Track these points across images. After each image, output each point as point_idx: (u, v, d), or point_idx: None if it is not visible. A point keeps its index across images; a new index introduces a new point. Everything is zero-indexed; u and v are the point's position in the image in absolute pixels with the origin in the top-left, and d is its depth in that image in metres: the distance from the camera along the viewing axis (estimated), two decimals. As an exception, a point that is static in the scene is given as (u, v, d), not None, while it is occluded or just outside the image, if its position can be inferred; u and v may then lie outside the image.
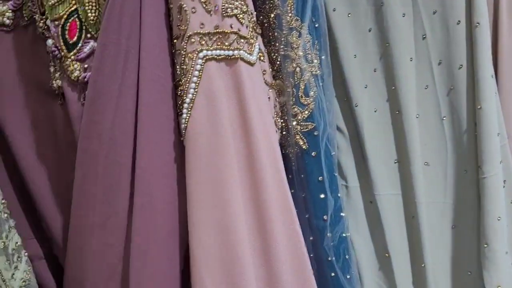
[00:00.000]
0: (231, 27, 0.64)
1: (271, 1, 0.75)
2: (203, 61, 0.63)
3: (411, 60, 0.92)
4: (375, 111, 0.96)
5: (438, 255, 0.92)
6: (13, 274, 0.65)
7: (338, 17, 0.96)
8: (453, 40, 0.87)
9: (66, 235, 0.72)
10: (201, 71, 0.63)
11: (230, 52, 0.64)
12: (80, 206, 0.67)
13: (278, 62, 0.76)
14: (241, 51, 0.64)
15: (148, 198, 0.64)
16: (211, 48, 0.64)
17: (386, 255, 0.94)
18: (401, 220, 0.94)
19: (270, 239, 0.65)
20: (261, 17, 0.78)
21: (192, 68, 0.63)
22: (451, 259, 0.93)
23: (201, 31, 0.63)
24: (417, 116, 0.93)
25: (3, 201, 0.67)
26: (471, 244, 0.88)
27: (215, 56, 0.64)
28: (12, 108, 0.71)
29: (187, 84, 0.63)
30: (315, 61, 0.76)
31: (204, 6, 0.63)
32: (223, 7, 0.63)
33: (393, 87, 0.94)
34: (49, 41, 0.66)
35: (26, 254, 0.71)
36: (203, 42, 0.63)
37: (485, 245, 0.85)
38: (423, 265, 0.91)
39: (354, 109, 0.96)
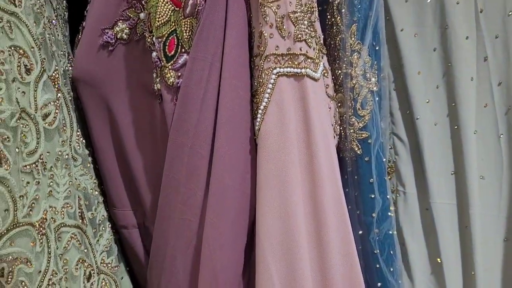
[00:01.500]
0: (301, 49, 0.77)
1: (338, 27, 0.86)
2: (276, 76, 0.77)
3: (472, 80, 0.95)
4: (435, 125, 1.00)
5: (489, 265, 0.94)
6: (98, 240, 0.80)
7: (405, 37, 1.00)
8: (513, 63, 0.87)
9: (156, 210, 0.82)
10: (274, 84, 0.77)
11: (298, 70, 0.77)
12: (168, 186, 0.79)
13: (340, 78, 0.88)
14: (308, 69, 0.77)
15: (221, 184, 0.74)
16: (283, 66, 0.77)
17: (438, 260, 0.98)
18: (455, 229, 0.97)
19: (323, 225, 0.76)
20: (329, 39, 0.89)
21: (267, 82, 0.77)
22: (502, 270, 0.95)
23: (276, 52, 0.76)
24: (475, 132, 0.96)
25: (95, 181, 0.80)
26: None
27: (286, 73, 0.77)
28: (124, 104, 0.83)
29: (262, 94, 0.77)
30: (373, 79, 0.87)
31: (280, 32, 0.76)
32: (295, 33, 0.76)
33: (454, 104, 0.97)
34: (154, 54, 0.77)
35: (110, 225, 0.85)
36: (277, 61, 0.76)
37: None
38: (473, 273, 0.93)
39: (416, 122, 0.99)
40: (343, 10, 0.85)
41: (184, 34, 0.75)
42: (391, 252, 0.91)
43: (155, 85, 0.82)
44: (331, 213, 0.76)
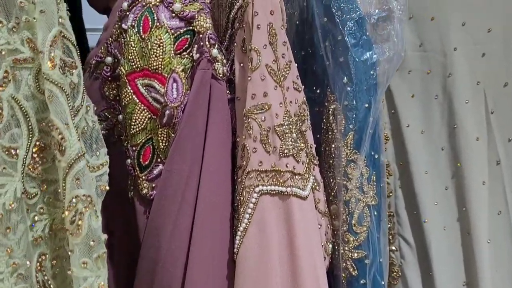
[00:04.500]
0: (287, 166, 0.70)
1: (333, 133, 0.80)
2: (258, 195, 0.70)
3: (483, 184, 0.91)
4: (444, 229, 0.94)
5: None
6: None
7: (412, 133, 0.97)
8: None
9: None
10: (255, 204, 0.70)
11: (284, 189, 0.70)
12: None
13: (335, 189, 0.80)
14: (294, 188, 0.70)
15: None
16: (267, 183, 0.70)
17: None
18: None
19: None
20: (324, 145, 0.83)
21: (247, 201, 0.70)
22: None
23: (259, 169, 0.70)
24: (489, 241, 0.91)
25: None
26: None
27: (270, 191, 0.70)
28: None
29: (242, 214, 0.70)
30: (371, 192, 0.79)
31: (264, 147, 0.70)
32: (280, 148, 0.70)
33: (464, 208, 0.92)
34: (128, 161, 0.72)
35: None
36: (260, 179, 0.70)
37: None
38: None
39: (423, 224, 0.94)
40: (339, 117, 0.79)
41: (161, 143, 0.71)
42: None
43: (129, 193, 0.77)
44: None
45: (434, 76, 0.93)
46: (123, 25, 0.74)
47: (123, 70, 0.74)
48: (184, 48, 0.71)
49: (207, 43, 0.71)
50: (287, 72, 0.70)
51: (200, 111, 0.71)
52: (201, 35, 0.71)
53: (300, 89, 0.73)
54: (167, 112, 0.70)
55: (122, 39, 0.74)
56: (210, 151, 0.70)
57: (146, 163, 0.72)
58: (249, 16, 0.70)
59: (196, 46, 0.72)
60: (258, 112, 0.70)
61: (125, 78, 0.73)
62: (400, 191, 0.97)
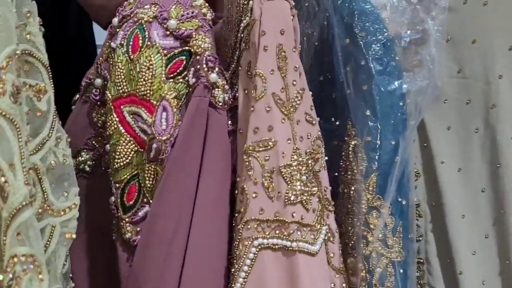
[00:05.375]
0: (293, 216, 0.59)
1: (353, 174, 0.69)
2: (257, 249, 0.59)
3: None
4: (483, 283, 0.86)
5: None
6: None
7: (447, 171, 0.87)
8: None
9: None
10: (253, 260, 0.59)
11: (289, 243, 0.59)
12: None
13: (354, 239, 0.69)
14: (301, 243, 0.59)
15: None
16: (268, 236, 0.59)
17: None
18: None
19: None
20: (342, 185, 0.71)
21: (244, 256, 0.59)
22: None
23: (260, 217, 0.59)
24: None
25: None
26: None
27: (271, 245, 0.59)
28: (80, 250, 0.71)
29: (237, 272, 0.59)
30: (396, 246, 0.67)
31: (266, 191, 0.60)
32: (286, 194, 0.59)
33: (508, 261, 0.85)
34: (112, 199, 0.65)
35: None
36: (260, 229, 0.59)
37: None
38: None
39: (458, 276, 0.86)
40: (359, 155, 0.67)
41: (147, 181, 0.63)
42: None
43: (113, 235, 0.69)
44: None
45: (475, 106, 0.85)
46: (112, 44, 0.66)
47: (109, 95, 0.66)
48: (178, 71, 0.64)
49: (204, 66, 0.62)
50: (298, 102, 0.61)
51: (194, 145, 0.62)
52: (198, 57, 0.63)
53: (314, 121, 0.63)
54: (154, 145, 0.62)
55: (111, 59, 0.66)
56: (204, 194, 0.62)
57: (131, 203, 0.64)
58: (255, 36, 0.61)
59: (192, 69, 0.64)
60: (260, 149, 0.60)
61: (110, 104, 0.65)
62: (432, 235, 0.90)
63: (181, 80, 0.63)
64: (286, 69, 0.61)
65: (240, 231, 0.60)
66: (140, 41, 0.64)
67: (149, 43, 0.63)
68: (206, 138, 0.63)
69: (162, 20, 0.64)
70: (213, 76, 0.63)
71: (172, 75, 0.63)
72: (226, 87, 0.65)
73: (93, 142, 0.71)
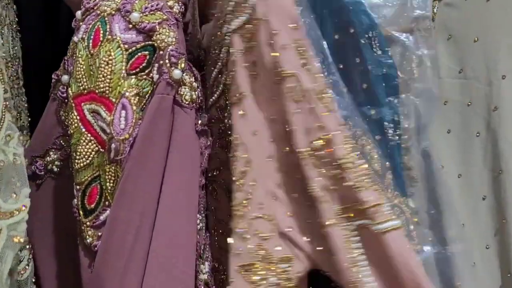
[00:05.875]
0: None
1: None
2: None
3: None
4: None
5: None
6: None
7: (446, 177, 0.83)
8: None
9: None
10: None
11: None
12: None
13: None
14: None
15: None
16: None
17: None
18: None
19: None
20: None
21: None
22: None
23: None
24: None
25: None
26: None
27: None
28: (46, 251, 0.70)
29: None
30: None
31: None
32: None
33: (509, 274, 0.81)
34: (74, 201, 0.63)
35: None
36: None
37: None
38: None
39: None
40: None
41: (108, 183, 0.61)
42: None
43: (78, 240, 0.65)
44: None
45: (476, 108, 0.83)
46: (75, 38, 0.64)
47: (70, 92, 0.63)
48: (141, 67, 0.61)
49: (167, 61, 0.60)
50: (328, 92, 0.62)
51: (157, 145, 0.60)
52: (161, 52, 0.60)
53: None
54: (113, 145, 0.59)
55: (75, 55, 0.63)
56: (169, 197, 0.59)
57: (92, 206, 0.62)
58: (264, 35, 0.61)
59: (157, 65, 0.61)
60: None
61: (71, 101, 0.63)
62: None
63: (144, 76, 0.61)
64: (309, 63, 0.61)
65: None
66: (101, 35, 0.61)
67: (109, 36, 0.61)
68: (172, 138, 0.60)
69: (125, 13, 0.61)
70: (177, 73, 0.60)
71: (134, 71, 0.61)
72: (195, 84, 0.62)
73: (61, 141, 0.69)
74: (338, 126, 0.61)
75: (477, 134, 0.82)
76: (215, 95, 0.67)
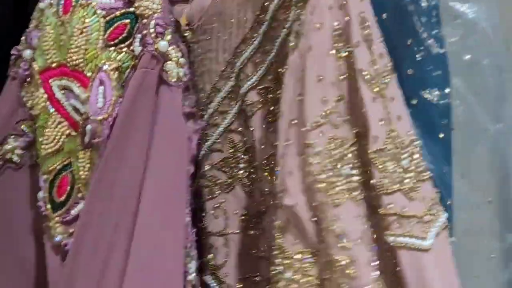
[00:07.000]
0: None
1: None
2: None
3: None
4: None
5: None
6: None
7: None
8: None
9: None
10: None
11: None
12: None
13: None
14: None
15: None
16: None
17: None
18: None
19: None
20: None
21: None
22: None
23: None
24: None
25: None
26: None
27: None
28: (9, 251, 0.65)
29: None
30: None
31: None
32: None
33: None
34: (40, 194, 0.60)
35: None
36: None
37: None
38: None
39: None
40: None
41: (81, 172, 0.57)
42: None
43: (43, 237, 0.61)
44: None
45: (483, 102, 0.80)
46: (40, 4, 0.59)
47: (35, 66, 0.59)
48: (121, 38, 0.56)
49: (152, 31, 0.55)
50: (388, 77, 0.58)
51: (139, 127, 0.55)
52: (145, 21, 0.55)
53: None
54: (89, 127, 0.55)
55: (41, 24, 0.59)
56: (152, 187, 0.54)
57: (62, 198, 0.58)
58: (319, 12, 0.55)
59: (139, 36, 0.56)
60: None
61: (37, 77, 0.59)
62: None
63: (125, 49, 0.56)
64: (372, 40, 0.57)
65: None
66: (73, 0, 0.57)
67: (83, 1, 0.57)
68: (157, 119, 0.55)
69: None
70: (163, 44, 0.55)
71: (113, 42, 0.56)
72: (182, 60, 0.57)
73: (22, 127, 0.64)
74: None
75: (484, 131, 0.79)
76: (254, 77, 0.63)
